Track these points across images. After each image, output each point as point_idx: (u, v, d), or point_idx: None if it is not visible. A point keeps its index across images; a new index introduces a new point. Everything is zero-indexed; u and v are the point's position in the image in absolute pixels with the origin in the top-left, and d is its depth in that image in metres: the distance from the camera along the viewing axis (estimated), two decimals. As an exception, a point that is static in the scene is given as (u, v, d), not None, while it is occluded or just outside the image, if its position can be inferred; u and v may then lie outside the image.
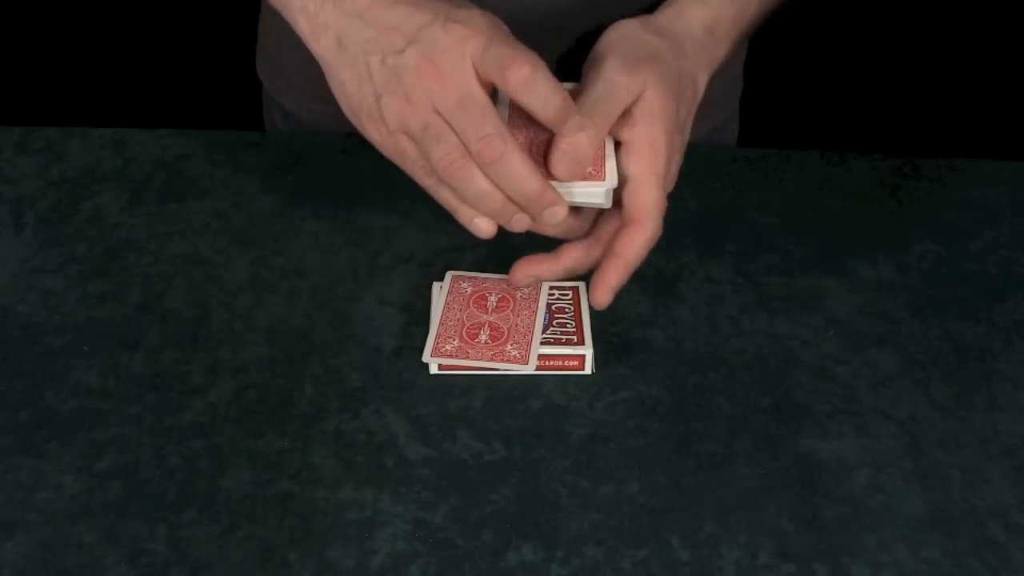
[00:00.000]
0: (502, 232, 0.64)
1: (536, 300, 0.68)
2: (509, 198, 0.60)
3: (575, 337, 0.66)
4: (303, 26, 0.63)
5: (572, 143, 0.60)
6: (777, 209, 0.78)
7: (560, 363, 0.66)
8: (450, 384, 0.65)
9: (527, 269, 0.65)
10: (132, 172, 0.80)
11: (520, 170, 0.59)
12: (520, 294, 0.69)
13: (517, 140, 0.60)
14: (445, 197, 0.62)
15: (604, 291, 0.63)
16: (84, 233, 0.75)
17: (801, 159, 0.83)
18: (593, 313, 0.68)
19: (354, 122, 0.62)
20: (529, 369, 0.65)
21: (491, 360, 0.65)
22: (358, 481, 0.60)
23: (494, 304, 0.68)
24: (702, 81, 0.67)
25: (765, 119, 1.12)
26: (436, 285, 0.70)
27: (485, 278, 0.70)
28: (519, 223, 0.62)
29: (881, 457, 0.62)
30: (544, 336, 0.66)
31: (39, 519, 0.57)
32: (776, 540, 0.57)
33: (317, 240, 0.75)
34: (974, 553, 0.57)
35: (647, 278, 0.72)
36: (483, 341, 0.66)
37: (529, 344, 0.65)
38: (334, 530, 0.57)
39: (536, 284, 0.69)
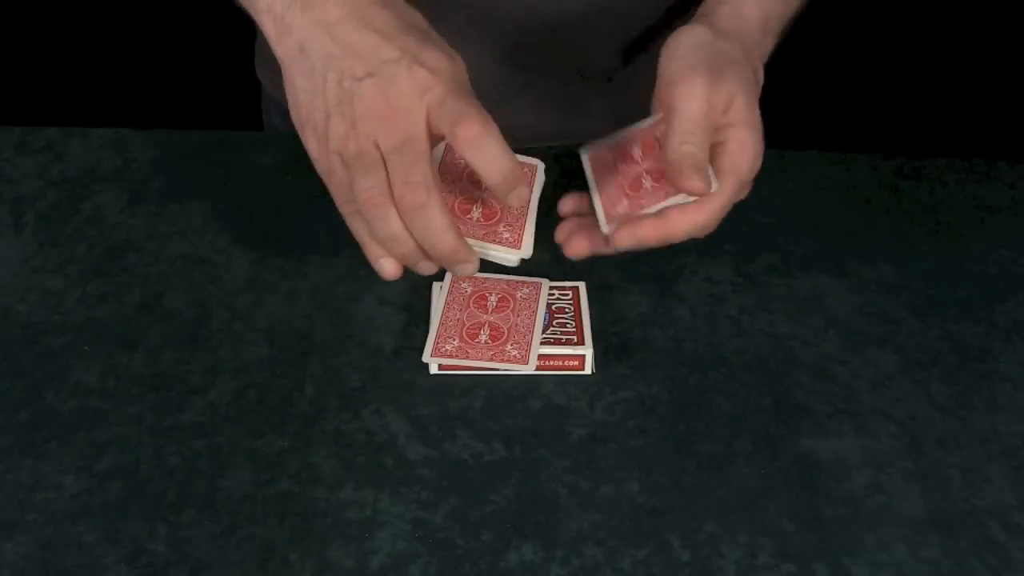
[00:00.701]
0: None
1: (536, 300, 0.68)
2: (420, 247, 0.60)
3: (575, 337, 0.66)
4: (268, 27, 0.62)
5: (688, 156, 0.60)
6: (777, 209, 0.78)
7: (560, 363, 0.66)
8: (450, 384, 0.65)
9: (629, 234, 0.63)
10: (132, 172, 0.80)
11: (437, 225, 0.58)
12: (520, 294, 0.69)
13: (445, 186, 0.61)
14: (357, 229, 0.62)
15: (627, 237, 0.62)
16: (84, 233, 0.75)
17: (801, 159, 0.83)
18: (593, 313, 0.68)
19: (298, 130, 0.62)
20: (529, 369, 0.65)
21: (491, 360, 0.65)
22: (358, 481, 0.60)
23: (494, 304, 0.68)
24: (762, 75, 0.67)
25: (765, 119, 1.12)
26: (436, 285, 0.70)
27: (485, 278, 0.70)
28: (425, 268, 0.62)
29: (881, 457, 0.62)
30: (544, 336, 0.66)
31: (39, 519, 0.57)
32: (776, 540, 0.57)
33: (317, 240, 0.75)
34: (974, 553, 0.57)
35: (647, 278, 0.72)
36: (483, 341, 0.66)
37: (529, 344, 0.65)
38: (334, 530, 0.57)
39: (536, 284, 0.69)
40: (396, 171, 0.58)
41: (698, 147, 0.60)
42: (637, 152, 0.64)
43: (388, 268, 0.62)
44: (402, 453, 0.61)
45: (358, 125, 0.58)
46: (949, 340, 0.69)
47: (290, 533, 0.57)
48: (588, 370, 0.66)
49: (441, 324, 0.67)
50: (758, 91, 0.65)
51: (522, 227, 0.64)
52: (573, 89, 0.88)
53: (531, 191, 0.66)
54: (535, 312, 0.67)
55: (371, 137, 0.58)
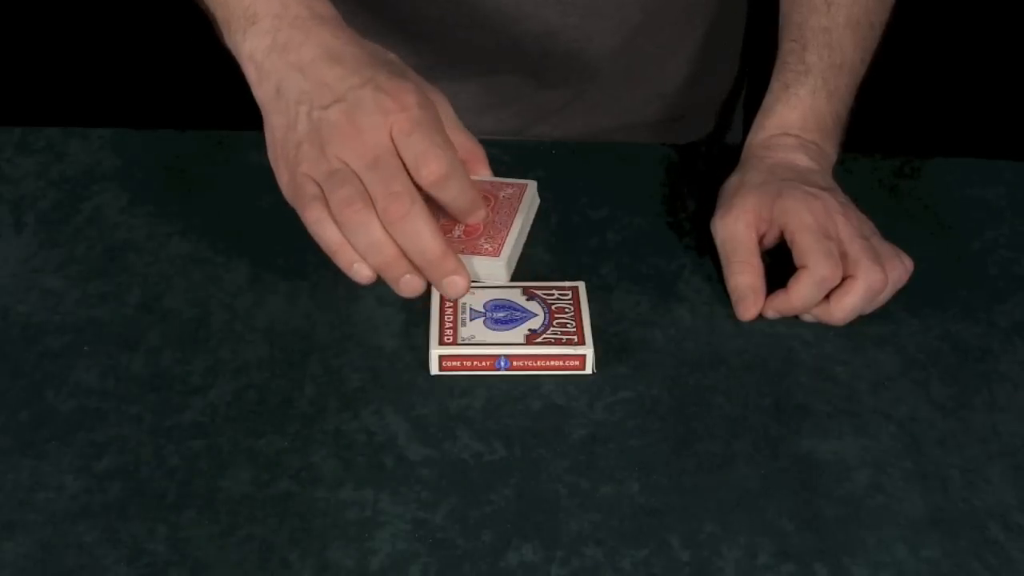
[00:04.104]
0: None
1: (519, 199, 0.66)
2: (408, 259, 0.60)
3: (575, 337, 0.66)
4: (249, 73, 0.64)
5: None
6: (777, 209, 0.78)
7: (560, 363, 0.66)
8: (450, 384, 0.65)
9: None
10: (132, 172, 0.80)
11: (424, 231, 0.59)
12: (503, 194, 0.67)
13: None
14: (326, 236, 0.61)
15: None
16: (84, 233, 0.75)
17: (801, 159, 0.83)
18: (593, 313, 0.68)
19: (272, 166, 0.64)
20: (501, 263, 0.63)
21: (462, 253, 0.63)
22: (358, 481, 0.60)
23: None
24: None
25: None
26: (436, 285, 0.70)
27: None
28: (409, 285, 0.61)
29: (881, 457, 0.62)
30: (544, 336, 0.66)
31: (39, 519, 0.57)
32: (776, 540, 0.57)
33: (317, 240, 0.75)
34: (974, 553, 0.57)
35: (647, 278, 0.72)
36: (456, 236, 0.64)
37: (504, 239, 0.63)
38: (334, 530, 0.57)
39: (520, 185, 0.69)
40: (375, 185, 0.59)
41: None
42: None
43: (364, 271, 0.61)
44: (402, 453, 0.61)
45: (327, 148, 0.60)
46: (949, 340, 0.69)
47: (290, 533, 0.57)
48: (588, 370, 0.66)
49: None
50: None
51: (503, 238, 0.63)
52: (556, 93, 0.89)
53: (504, 209, 0.65)
54: (515, 210, 0.65)
55: (341, 158, 0.59)
